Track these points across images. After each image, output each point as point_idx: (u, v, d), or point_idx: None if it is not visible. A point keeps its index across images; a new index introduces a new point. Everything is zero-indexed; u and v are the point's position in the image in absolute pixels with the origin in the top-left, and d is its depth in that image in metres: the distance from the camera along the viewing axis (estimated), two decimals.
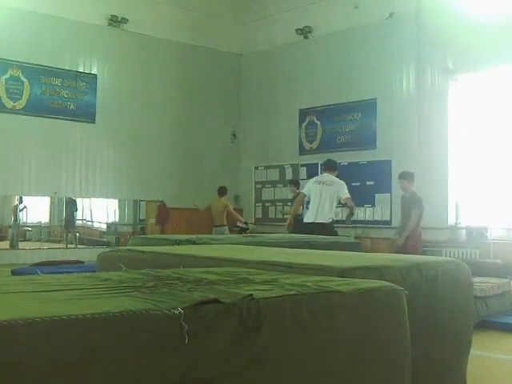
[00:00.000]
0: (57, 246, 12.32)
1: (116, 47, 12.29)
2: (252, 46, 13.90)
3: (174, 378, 1.77)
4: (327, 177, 8.75)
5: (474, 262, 7.89)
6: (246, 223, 11.96)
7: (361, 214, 11.31)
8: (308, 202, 9.11)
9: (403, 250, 7.97)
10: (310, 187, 8.74)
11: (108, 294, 2.05)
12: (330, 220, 8.43)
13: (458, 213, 10.59)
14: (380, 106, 11.47)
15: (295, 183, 11.38)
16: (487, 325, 6.15)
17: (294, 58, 12.96)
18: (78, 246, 12.49)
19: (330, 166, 8.91)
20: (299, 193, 10.86)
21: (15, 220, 11.91)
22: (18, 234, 11.91)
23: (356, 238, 9.70)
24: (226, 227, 11.22)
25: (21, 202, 11.72)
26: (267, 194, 13.46)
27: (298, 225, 8.63)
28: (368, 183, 11.39)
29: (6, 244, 11.76)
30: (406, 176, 8.96)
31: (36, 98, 11.27)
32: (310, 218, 8.44)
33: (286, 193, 12.73)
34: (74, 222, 12.69)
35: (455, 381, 3.33)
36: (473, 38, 10.02)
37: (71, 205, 12.43)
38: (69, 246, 12.37)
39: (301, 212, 10.21)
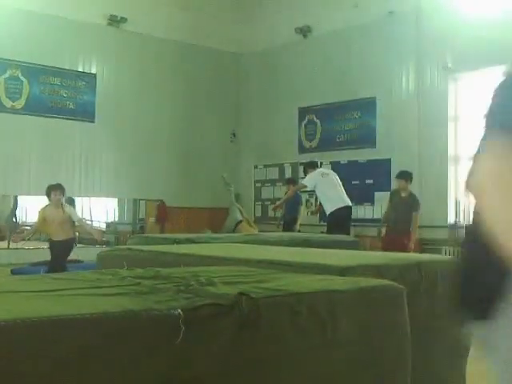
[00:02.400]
0: None
1: (115, 47, 12.27)
2: (252, 45, 13.89)
3: (174, 377, 1.77)
4: (326, 170, 9.62)
5: None
6: None
7: (360, 212, 11.32)
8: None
9: (404, 247, 8.14)
10: (316, 180, 9.13)
11: (107, 294, 2.05)
12: None
13: (457, 211, 10.59)
14: (380, 105, 11.47)
15: (293, 182, 11.45)
16: None
17: (294, 57, 12.95)
18: (78, 245, 12.48)
19: (315, 164, 9.91)
20: None
21: (14, 220, 11.90)
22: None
23: (355, 236, 9.71)
24: None
25: (16, 204, 11.71)
26: (267, 192, 13.44)
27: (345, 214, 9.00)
28: (367, 182, 11.38)
29: (5, 244, 11.75)
30: (405, 175, 9.06)
31: (35, 97, 11.26)
32: (346, 202, 9.19)
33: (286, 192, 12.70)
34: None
35: (455, 381, 3.32)
36: (473, 37, 10.00)
37: (70, 204, 12.41)
38: None
39: (282, 212, 11.27)
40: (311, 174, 9.49)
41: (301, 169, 12.70)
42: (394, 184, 9.64)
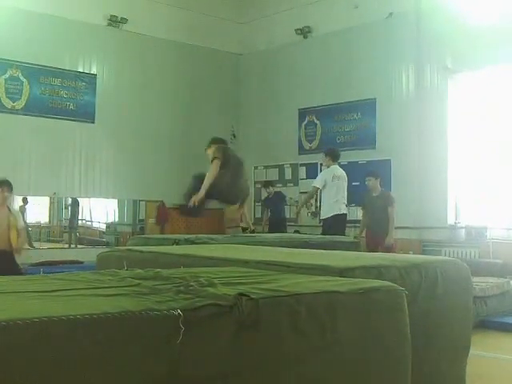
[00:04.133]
0: (56, 245, 12.31)
1: (115, 47, 12.28)
2: (251, 45, 13.90)
3: (174, 378, 1.77)
4: (340, 171, 8.96)
5: (473, 262, 7.90)
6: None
7: (360, 213, 11.31)
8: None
9: (388, 249, 8.08)
10: (327, 181, 8.74)
11: (107, 295, 2.05)
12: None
13: (457, 212, 10.59)
14: (379, 106, 11.47)
15: (270, 184, 11.83)
16: (487, 324, 6.15)
17: (294, 57, 12.96)
18: (78, 245, 12.49)
19: (337, 156, 9.09)
20: (275, 191, 11.21)
21: None
22: None
23: (355, 237, 9.72)
24: (240, 228, 11.06)
25: (26, 202, 11.71)
26: (267, 193, 13.43)
27: (338, 222, 8.71)
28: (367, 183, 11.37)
29: None
30: (373, 174, 9.06)
31: (35, 97, 11.27)
32: (343, 210, 8.80)
33: (286, 193, 12.72)
34: (76, 223, 12.67)
35: (455, 381, 3.32)
36: (472, 38, 10.01)
37: (74, 205, 12.41)
38: (68, 246, 12.37)
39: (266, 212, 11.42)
40: (324, 174, 9.05)
41: (301, 170, 12.73)
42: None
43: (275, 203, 11.44)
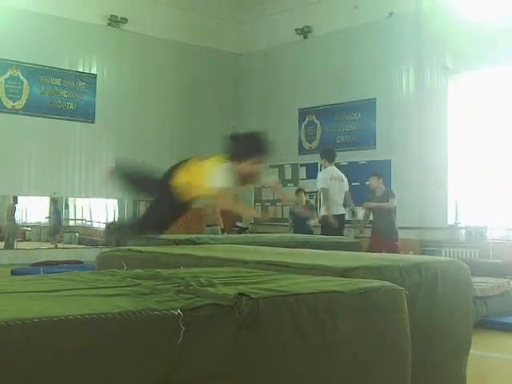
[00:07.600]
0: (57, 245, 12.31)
1: (115, 47, 12.29)
2: (251, 45, 13.90)
3: (173, 377, 1.77)
4: (337, 172, 9.07)
5: (473, 262, 7.90)
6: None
7: (360, 213, 11.31)
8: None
9: (392, 249, 8.08)
10: (327, 182, 8.79)
11: (107, 295, 2.05)
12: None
13: (457, 212, 10.59)
14: (380, 106, 11.48)
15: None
16: (487, 325, 6.14)
17: (294, 57, 12.96)
18: (77, 245, 12.49)
19: (333, 157, 9.13)
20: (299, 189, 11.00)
21: (10, 220, 11.87)
22: (14, 233, 11.87)
23: (356, 237, 9.71)
24: (218, 227, 10.80)
25: (16, 201, 11.68)
26: (267, 193, 13.44)
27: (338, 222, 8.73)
28: (368, 183, 11.38)
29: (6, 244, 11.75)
30: (376, 173, 9.17)
31: (35, 97, 11.27)
32: (341, 210, 8.92)
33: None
34: (60, 222, 12.59)
35: (455, 381, 3.32)
36: (472, 38, 10.02)
37: (55, 204, 12.33)
38: (68, 246, 12.36)
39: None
40: (323, 174, 9.10)
41: (301, 170, 12.73)
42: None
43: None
